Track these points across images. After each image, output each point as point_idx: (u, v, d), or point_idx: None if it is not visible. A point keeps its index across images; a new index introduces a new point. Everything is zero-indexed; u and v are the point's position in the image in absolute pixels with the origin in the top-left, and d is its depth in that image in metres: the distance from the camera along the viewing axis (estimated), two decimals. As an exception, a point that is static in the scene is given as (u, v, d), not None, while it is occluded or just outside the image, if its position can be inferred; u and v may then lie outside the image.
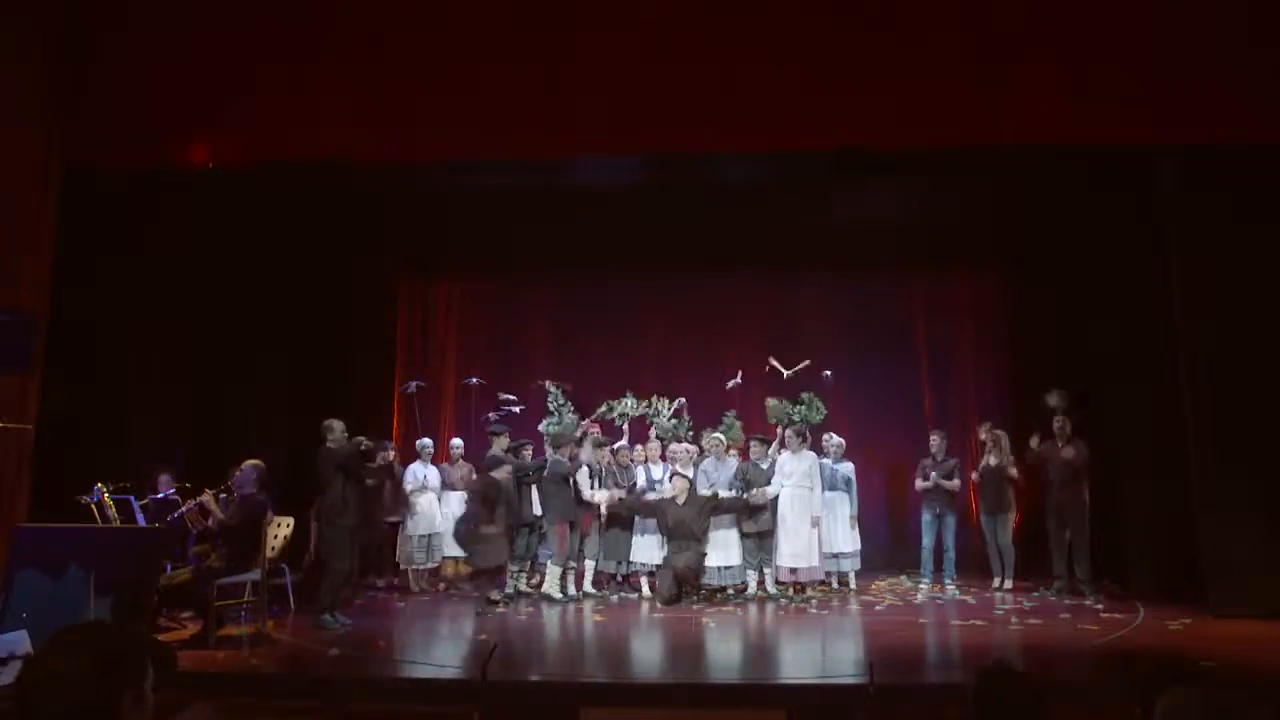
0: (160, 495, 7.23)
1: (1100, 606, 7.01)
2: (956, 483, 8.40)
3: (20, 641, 4.57)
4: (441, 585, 8.20)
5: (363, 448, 6.69)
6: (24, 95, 6.75)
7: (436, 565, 8.21)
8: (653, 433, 8.30)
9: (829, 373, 8.46)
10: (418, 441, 8.47)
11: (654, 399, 8.41)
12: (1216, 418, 6.69)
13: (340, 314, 9.75)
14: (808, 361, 8.46)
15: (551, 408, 8.22)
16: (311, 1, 7.09)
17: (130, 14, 7.06)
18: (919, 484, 8.45)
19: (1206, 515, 6.66)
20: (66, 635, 1.58)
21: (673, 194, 8.74)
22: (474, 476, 8.21)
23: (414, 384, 9.26)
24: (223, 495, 6.62)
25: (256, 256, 8.50)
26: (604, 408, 8.35)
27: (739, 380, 8.60)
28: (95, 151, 7.00)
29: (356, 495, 6.66)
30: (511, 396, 8.53)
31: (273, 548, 6.76)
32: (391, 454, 8.59)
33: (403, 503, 8.21)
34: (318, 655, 5.64)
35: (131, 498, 6.96)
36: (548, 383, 8.33)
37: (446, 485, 8.28)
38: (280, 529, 6.94)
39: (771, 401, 8.15)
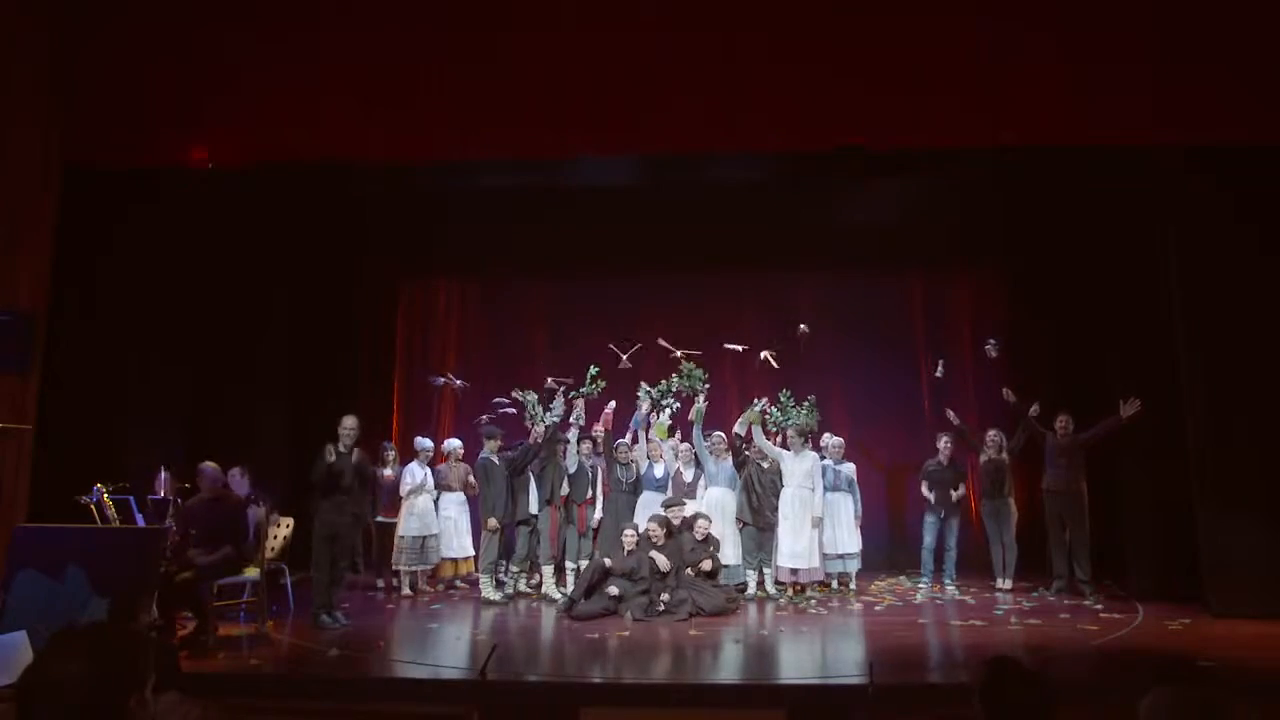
0: (159, 496, 7.21)
1: (1100, 606, 7.01)
2: (962, 491, 8.42)
3: (20, 641, 4.57)
4: (440, 586, 8.17)
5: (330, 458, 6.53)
6: (24, 95, 6.76)
7: (433, 567, 8.16)
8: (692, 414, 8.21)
9: (804, 326, 8.60)
10: (416, 441, 8.40)
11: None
12: (1216, 418, 6.69)
13: (340, 314, 9.74)
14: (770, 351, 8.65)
15: (530, 413, 8.04)
16: (311, 2, 7.09)
17: (129, 14, 7.06)
18: (924, 490, 8.40)
19: (1206, 515, 6.66)
20: (67, 639, 1.57)
21: (673, 194, 8.73)
22: (470, 478, 8.17)
23: (443, 379, 9.26)
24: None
25: (256, 256, 8.49)
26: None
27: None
28: (95, 151, 7.00)
29: (331, 502, 6.59)
30: (504, 400, 8.49)
31: (272, 548, 6.77)
32: (392, 453, 8.57)
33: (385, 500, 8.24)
34: (318, 655, 5.64)
35: (131, 498, 6.95)
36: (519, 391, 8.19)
37: (443, 486, 8.22)
38: (280, 529, 6.95)
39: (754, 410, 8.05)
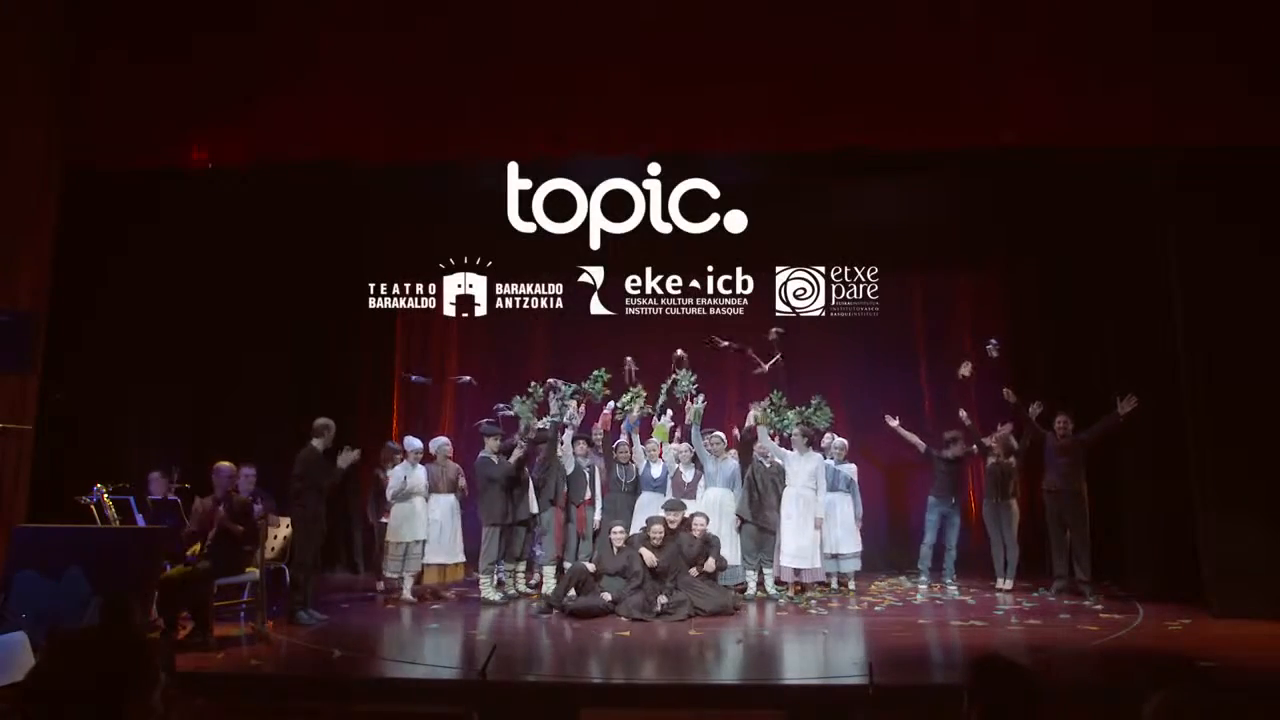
0: (158, 496, 7.18)
1: (1100, 607, 7.01)
2: (972, 448, 8.34)
3: (19, 641, 4.58)
4: (430, 593, 8.02)
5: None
6: (25, 95, 6.76)
7: (421, 571, 7.99)
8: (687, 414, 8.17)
9: (777, 330, 8.77)
10: (405, 440, 8.24)
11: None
12: (1216, 418, 6.68)
13: (340, 314, 9.73)
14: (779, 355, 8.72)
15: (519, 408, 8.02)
16: (311, 2, 7.09)
17: (130, 15, 7.06)
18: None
19: (1207, 515, 6.65)
20: (68, 643, 1.57)
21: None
22: (462, 480, 8.08)
23: (416, 376, 9.27)
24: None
25: (256, 256, 8.49)
26: (625, 398, 8.25)
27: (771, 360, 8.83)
28: (95, 151, 7.00)
29: (324, 503, 6.80)
30: (505, 405, 8.48)
31: (272, 548, 6.77)
32: (397, 454, 8.51)
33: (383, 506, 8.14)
34: (318, 655, 5.64)
35: (131, 498, 6.94)
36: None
37: (434, 488, 8.01)
38: (281, 529, 6.94)
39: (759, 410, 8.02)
